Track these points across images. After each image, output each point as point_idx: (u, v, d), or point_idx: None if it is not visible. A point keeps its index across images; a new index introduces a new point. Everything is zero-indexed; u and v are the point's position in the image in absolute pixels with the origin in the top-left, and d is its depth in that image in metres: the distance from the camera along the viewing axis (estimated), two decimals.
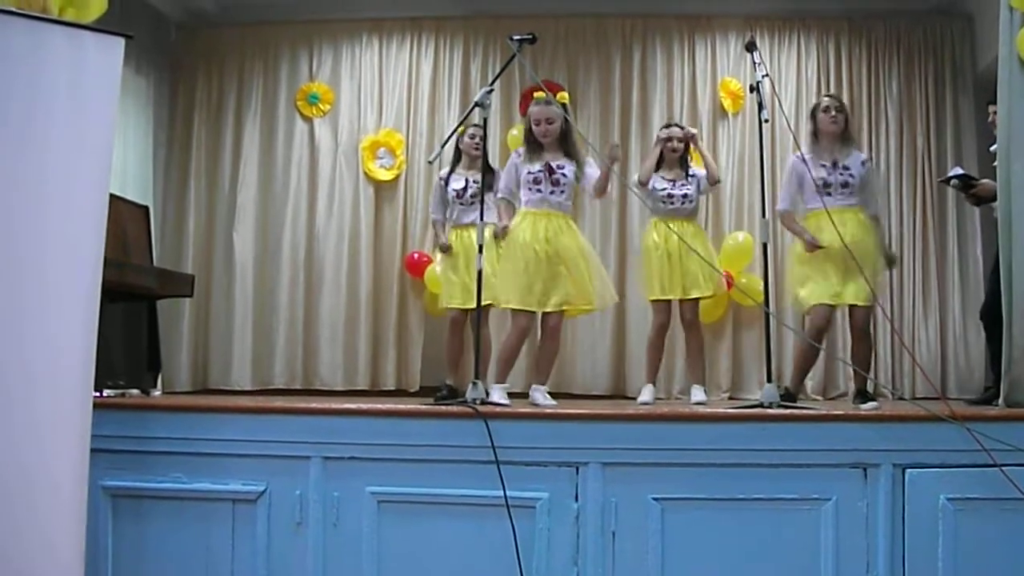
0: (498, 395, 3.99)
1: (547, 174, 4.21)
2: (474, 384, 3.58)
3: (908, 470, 3.06)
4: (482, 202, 4.14)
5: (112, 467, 3.26)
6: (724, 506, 3.10)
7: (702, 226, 6.27)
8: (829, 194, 4.29)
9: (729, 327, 6.31)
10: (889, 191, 6.29)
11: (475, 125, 4.93)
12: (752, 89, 3.91)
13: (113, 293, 4.05)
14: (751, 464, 3.11)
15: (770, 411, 3.42)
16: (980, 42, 6.35)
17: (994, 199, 3.94)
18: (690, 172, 5.00)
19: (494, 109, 5.10)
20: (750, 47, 4.07)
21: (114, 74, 3.07)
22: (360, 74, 6.71)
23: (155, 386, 5.02)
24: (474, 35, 6.69)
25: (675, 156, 4.99)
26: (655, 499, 3.11)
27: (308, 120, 6.71)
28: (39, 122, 2.92)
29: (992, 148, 4.07)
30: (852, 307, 4.35)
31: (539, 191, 4.22)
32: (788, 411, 3.40)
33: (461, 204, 5.11)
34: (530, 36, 4.03)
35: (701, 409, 3.74)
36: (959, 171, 4.79)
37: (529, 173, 4.24)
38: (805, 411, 3.36)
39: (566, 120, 4.28)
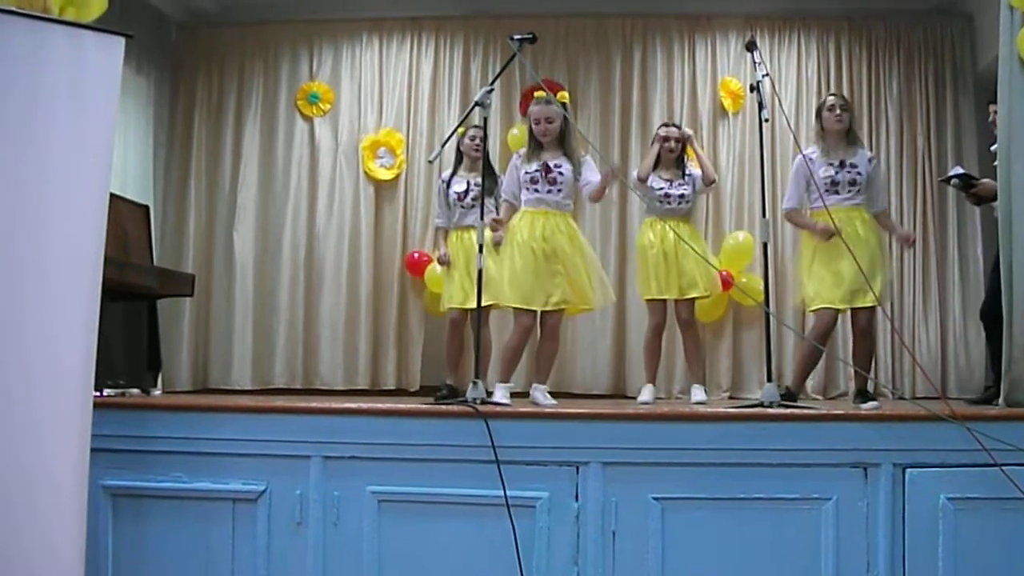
0: (500, 394, 4.01)
1: (543, 173, 4.23)
2: (474, 384, 3.58)
3: (908, 470, 3.06)
4: (482, 203, 4.14)
5: (112, 467, 3.26)
6: (724, 506, 3.10)
7: (701, 225, 6.33)
8: (837, 192, 4.30)
9: (729, 327, 6.31)
10: (889, 191, 6.27)
11: (475, 126, 4.93)
12: (752, 89, 3.92)
13: (113, 292, 4.05)
14: (751, 464, 3.11)
15: (770, 411, 3.42)
16: (980, 42, 6.34)
17: (994, 199, 3.94)
18: (687, 172, 5.01)
19: (494, 109, 5.11)
20: (750, 47, 4.08)
21: (114, 74, 3.07)
22: (360, 74, 6.71)
23: (155, 386, 5.02)
24: (474, 35, 6.69)
25: (672, 156, 4.99)
26: (655, 499, 3.11)
27: (308, 120, 6.71)
28: (39, 122, 2.92)
29: (992, 148, 4.07)
30: (855, 308, 4.35)
31: (536, 191, 4.24)
32: (788, 411, 3.40)
33: (462, 207, 5.11)
34: (530, 36, 4.03)
35: (701, 409, 3.74)
36: (959, 170, 4.79)
37: (526, 173, 4.26)
38: (805, 411, 3.36)
39: (566, 119, 4.29)
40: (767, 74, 3.90)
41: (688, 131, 5.15)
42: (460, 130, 5.00)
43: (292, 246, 6.58)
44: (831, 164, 4.36)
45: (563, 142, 4.30)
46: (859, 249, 4.20)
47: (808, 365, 4.70)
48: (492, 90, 4.00)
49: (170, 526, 3.28)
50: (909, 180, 6.33)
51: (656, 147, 5.02)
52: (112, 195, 3.18)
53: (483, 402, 3.47)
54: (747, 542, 3.09)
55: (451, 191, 5.16)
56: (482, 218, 4.04)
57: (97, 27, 3.12)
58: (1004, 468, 2.98)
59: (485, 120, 4.11)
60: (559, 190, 4.23)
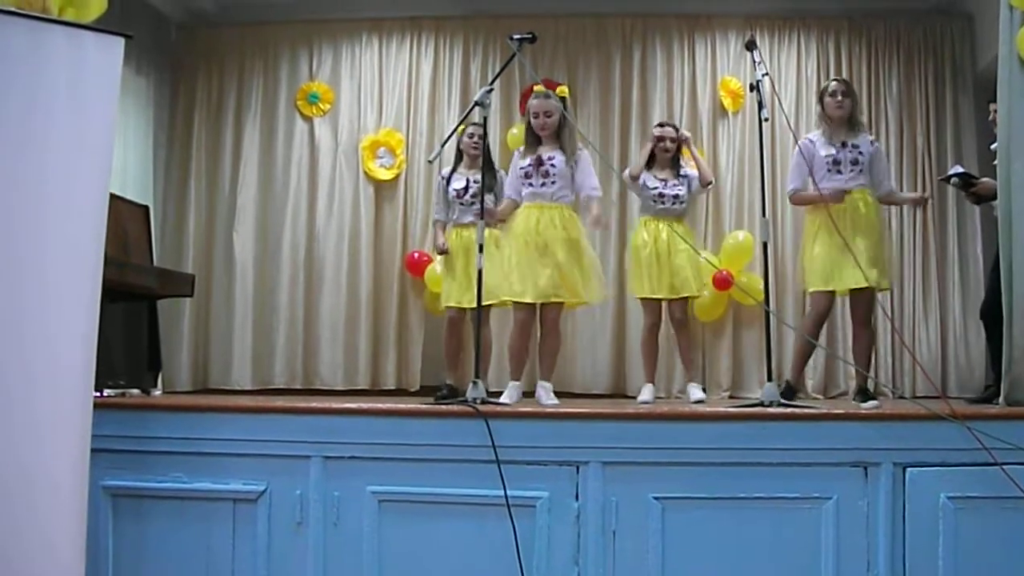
0: (507, 393, 4.06)
1: (536, 167, 4.24)
2: (474, 384, 3.58)
3: (909, 469, 3.06)
4: (482, 201, 4.14)
5: (112, 467, 3.26)
6: (724, 505, 3.10)
7: (701, 225, 6.34)
8: (840, 172, 4.31)
9: (729, 326, 6.32)
10: None
11: (474, 123, 4.93)
12: (752, 88, 3.91)
13: (113, 293, 4.05)
14: (751, 463, 3.11)
15: (770, 410, 3.42)
16: (980, 41, 6.35)
17: (994, 198, 3.94)
18: (682, 172, 5.00)
19: (494, 108, 5.11)
20: (750, 46, 4.07)
21: (114, 74, 3.07)
22: (360, 74, 6.72)
23: (155, 386, 5.03)
24: (474, 35, 6.69)
25: (667, 156, 4.99)
26: (655, 498, 3.11)
27: (308, 120, 6.72)
28: (39, 122, 2.92)
29: (992, 146, 4.07)
30: (853, 294, 4.34)
31: (531, 185, 4.26)
32: (788, 410, 3.39)
33: (461, 204, 5.11)
34: (530, 35, 4.03)
35: (701, 408, 3.74)
36: (959, 170, 4.79)
37: (521, 168, 4.29)
38: (806, 410, 3.35)
39: (564, 114, 4.29)
40: (767, 73, 3.89)
41: (686, 133, 5.14)
42: (460, 129, 5.01)
43: (292, 246, 6.59)
44: (832, 144, 4.36)
45: (560, 136, 4.30)
46: (863, 231, 4.20)
47: (804, 354, 4.69)
48: (492, 90, 3.99)
49: (170, 526, 3.28)
50: (909, 179, 6.34)
51: (649, 146, 5.02)
52: (112, 195, 3.18)
53: (483, 402, 3.48)
54: (747, 542, 3.08)
55: (450, 188, 5.16)
56: (482, 216, 4.04)
57: (96, 27, 3.11)
58: (1004, 467, 2.98)
59: (485, 120, 4.12)
60: (553, 182, 4.24)
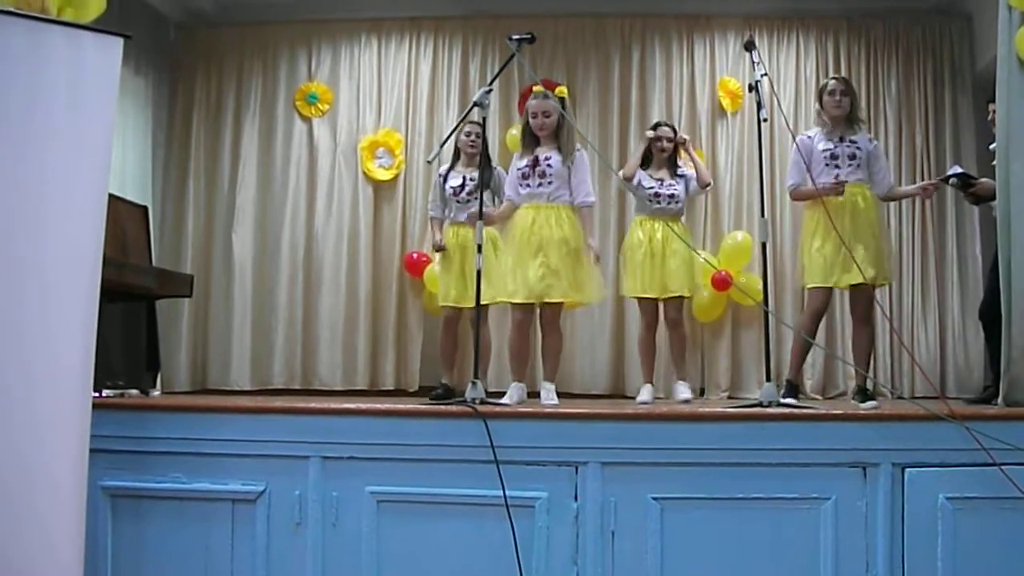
0: (510, 393, 4.09)
1: (532, 167, 4.24)
2: (473, 383, 3.58)
3: (907, 469, 3.06)
4: (481, 200, 4.13)
5: (111, 467, 3.26)
6: (723, 505, 3.10)
7: (700, 225, 6.34)
8: (837, 167, 4.31)
9: (728, 326, 6.32)
10: None
11: (472, 122, 4.93)
12: (751, 88, 3.91)
13: (112, 293, 4.05)
14: (750, 463, 3.10)
15: (769, 410, 3.42)
16: (979, 41, 6.35)
17: (993, 198, 3.94)
18: (679, 172, 5.00)
19: (493, 109, 5.10)
20: (749, 46, 4.08)
21: (113, 74, 3.07)
22: (359, 74, 6.72)
23: (154, 386, 5.02)
24: (473, 35, 6.69)
25: (664, 156, 4.99)
26: (654, 498, 3.11)
27: (307, 120, 6.72)
28: (38, 122, 2.91)
29: (991, 147, 4.07)
30: (853, 291, 4.34)
31: (528, 186, 4.27)
32: (787, 410, 3.39)
33: (458, 202, 5.11)
34: (529, 36, 4.03)
35: (700, 409, 3.73)
36: (958, 170, 4.79)
37: (519, 169, 4.30)
38: (804, 410, 3.36)
39: (563, 114, 4.29)
40: (766, 74, 3.89)
41: (684, 136, 5.14)
42: (458, 129, 5.01)
43: (291, 246, 6.58)
44: (830, 140, 4.37)
45: (558, 136, 4.30)
46: (862, 226, 4.21)
47: (802, 352, 4.69)
48: (491, 90, 3.99)
49: (169, 527, 3.27)
50: (908, 179, 6.32)
51: (641, 147, 5.03)
52: (111, 196, 3.18)
53: (482, 402, 3.48)
54: (746, 542, 3.08)
55: (447, 186, 5.16)
56: (480, 216, 4.04)
57: (95, 28, 3.11)
58: (1003, 468, 2.98)
59: (484, 120, 4.12)
60: (549, 182, 4.24)
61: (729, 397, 6.13)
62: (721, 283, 5.93)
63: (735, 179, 6.43)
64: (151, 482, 3.28)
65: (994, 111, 3.91)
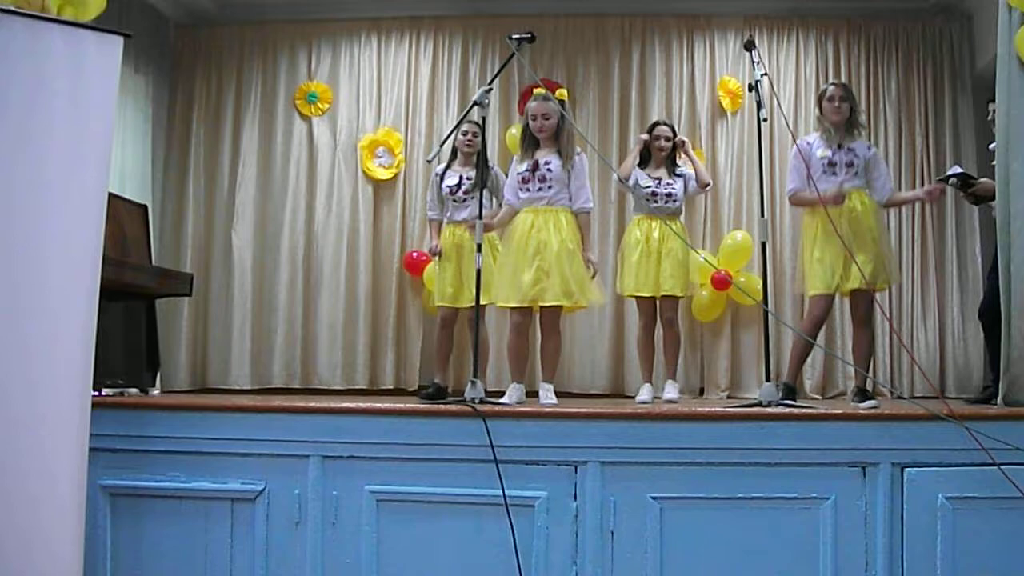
0: (509, 394, 4.08)
1: (532, 171, 4.24)
2: (472, 383, 3.58)
3: (907, 469, 3.06)
4: (480, 200, 4.13)
5: (111, 466, 3.26)
6: (723, 505, 3.10)
7: (699, 225, 6.34)
8: (835, 174, 4.31)
9: (728, 326, 6.32)
10: None
11: (470, 121, 4.93)
12: (751, 88, 3.92)
13: (112, 292, 4.05)
14: (750, 463, 3.11)
15: (769, 410, 3.42)
16: (979, 41, 6.35)
17: (993, 198, 3.94)
18: (677, 171, 5.00)
19: (493, 108, 5.12)
20: (749, 46, 4.08)
21: (113, 73, 3.07)
22: (359, 73, 6.72)
23: (154, 385, 5.01)
24: (473, 34, 6.69)
25: (662, 155, 4.99)
26: (654, 498, 3.11)
27: (307, 119, 6.72)
28: (38, 121, 2.91)
29: (991, 147, 4.07)
30: (853, 294, 4.34)
31: (527, 190, 4.26)
32: (787, 410, 3.40)
33: (455, 201, 5.10)
34: (529, 35, 4.03)
35: (700, 408, 3.73)
36: (958, 170, 4.79)
37: (518, 174, 4.28)
38: (804, 410, 3.35)
39: (563, 117, 4.28)
40: (766, 73, 3.90)
41: (683, 138, 5.14)
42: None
43: (291, 245, 6.58)
44: (828, 146, 4.37)
45: (558, 139, 4.29)
46: (861, 231, 4.20)
47: (801, 357, 4.69)
48: (491, 90, 3.99)
49: (168, 526, 3.28)
50: (908, 179, 6.34)
51: (637, 148, 5.03)
52: (110, 194, 3.18)
53: (482, 401, 3.48)
54: (745, 542, 3.08)
55: (444, 185, 5.16)
56: (480, 216, 4.04)
57: (95, 27, 3.11)
58: (1002, 467, 2.98)
59: (484, 120, 4.12)
60: (549, 186, 4.24)
61: (728, 397, 6.13)
62: (721, 283, 5.93)
63: (735, 179, 6.43)
64: (150, 481, 3.29)
65: (994, 111, 3.91)
